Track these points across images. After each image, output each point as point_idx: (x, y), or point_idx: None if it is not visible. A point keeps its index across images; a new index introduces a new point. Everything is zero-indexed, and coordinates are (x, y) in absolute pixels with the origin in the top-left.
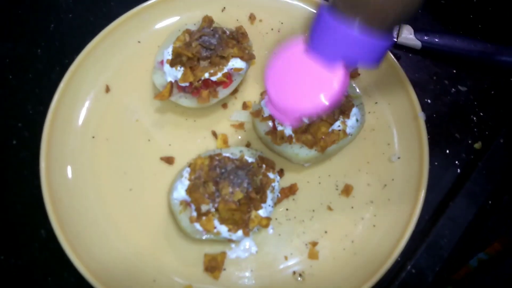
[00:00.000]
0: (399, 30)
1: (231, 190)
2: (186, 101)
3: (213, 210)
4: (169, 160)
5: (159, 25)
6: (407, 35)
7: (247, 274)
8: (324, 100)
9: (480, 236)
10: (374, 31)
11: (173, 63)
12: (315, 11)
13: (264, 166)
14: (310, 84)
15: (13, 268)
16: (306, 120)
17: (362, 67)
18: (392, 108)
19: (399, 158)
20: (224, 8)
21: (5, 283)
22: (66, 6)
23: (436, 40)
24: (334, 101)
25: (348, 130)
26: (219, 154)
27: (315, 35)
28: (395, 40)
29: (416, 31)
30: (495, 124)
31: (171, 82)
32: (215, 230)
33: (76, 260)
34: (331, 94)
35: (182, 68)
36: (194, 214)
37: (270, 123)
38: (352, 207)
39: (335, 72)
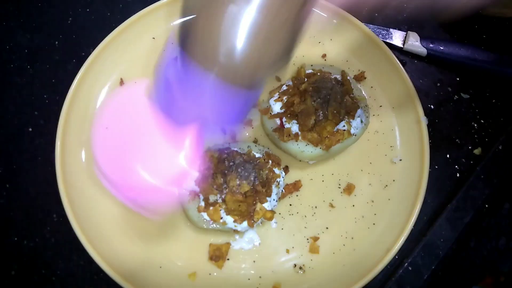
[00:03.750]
0: (405, 37)
1: (238, 183)
2: None
3: (220, 201)
4: None
5: (174, 23)
6: (413, 42)
7: (249, 265)
8: (173, 168)
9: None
10: (233, 88)
11: None
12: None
13: (270, 161)
14: (153, 146)
15: (25, 249)
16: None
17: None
18: (396, 111)
19: (400, 160)
20: None
21: (17, 264)
22: (84, 1)
23: (441, 48)
24: (190, 169)
25: (352, 131)
26: (228, 148)
27: (163, 88)
28: (402, 46)
29: (422, 38)
30: (495, 132)
31: None
32: (221, 220)
33: (86, 243)
34: (183, 160)
35: None
36: (202, 204)
37: (278, 121)
38: (353, 206)
39: (186, 133)
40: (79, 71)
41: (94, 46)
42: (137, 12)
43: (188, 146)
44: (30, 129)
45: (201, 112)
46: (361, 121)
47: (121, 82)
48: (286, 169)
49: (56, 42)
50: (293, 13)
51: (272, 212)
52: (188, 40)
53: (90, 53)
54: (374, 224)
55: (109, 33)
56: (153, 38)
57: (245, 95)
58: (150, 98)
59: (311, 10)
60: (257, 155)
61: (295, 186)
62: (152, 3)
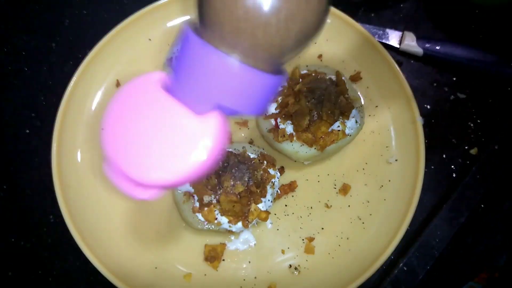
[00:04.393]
0: (402, 37)
1: (233, 183)
2: None
3: (214, 201)
4: None
5: (169, 24)
6: (410, 42)
7: (245, 265)
8: (193, 162)
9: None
10: (258, 68)
11: None
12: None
13: (265, 162)
14: (172, 138)
15: (22, 250)
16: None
17: (242, 115)
18: (392, 112)
19: (396, 160)
20: None
21: (14, 264)
22: (80, 3)
23: (438, 48)
24: (209, 163)
25: (347, 131)
26: (223, 149)
27: (181, 67)
28: (398, 46)
29: (418, 38)
30: (491, 132)
31: None
32: (216, 221)
33: (82, 244)
34: (205, 152)
35: None
36: (197, 204)
37: (273, 121)
38: (349, 206)
39: (208, 119)
40: (76, 73)
41: (90, 48)
42: (133, 13)
43: (208, 138)
44: (27, 131)
45: (220, 99)
46: (356, 122)
47: (117, 84)
48: (281, 170)
49: (53, 44)
50: None
51: (267, 212)
52: (204, 18)
53: (86, 55)
54: (369, 224)
55: (105, 35)
56: (149, 39)
57: (268, 80)
58: (164, 87)
59: None
60: (252, 156)
61: (290, 187)
62: (148, 5)
